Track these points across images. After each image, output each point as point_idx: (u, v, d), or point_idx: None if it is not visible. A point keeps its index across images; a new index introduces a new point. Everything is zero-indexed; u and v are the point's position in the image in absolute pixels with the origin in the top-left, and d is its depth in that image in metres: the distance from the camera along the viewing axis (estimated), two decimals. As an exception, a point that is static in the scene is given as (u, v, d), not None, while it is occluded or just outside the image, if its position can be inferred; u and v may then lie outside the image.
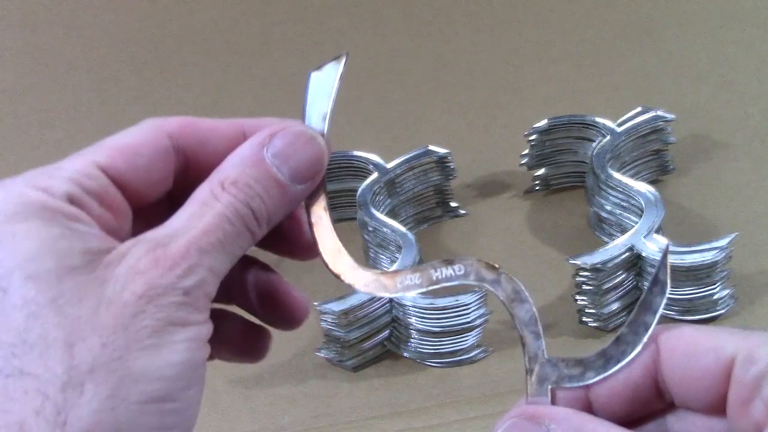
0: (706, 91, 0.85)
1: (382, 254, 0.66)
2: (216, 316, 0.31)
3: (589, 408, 0.31)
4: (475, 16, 1.03)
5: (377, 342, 0.60)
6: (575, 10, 1.02)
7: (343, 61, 0.33)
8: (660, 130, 0.72)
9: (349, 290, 0.59)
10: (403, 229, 0.64)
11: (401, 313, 0.59)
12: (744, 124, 0.80)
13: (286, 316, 0.35)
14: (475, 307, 0.58)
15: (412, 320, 0.58)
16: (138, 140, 0.31)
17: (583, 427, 0.29)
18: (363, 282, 0.33)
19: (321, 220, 0.33)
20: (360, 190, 0.67)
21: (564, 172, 0.74)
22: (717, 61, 0.90)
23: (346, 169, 0.72)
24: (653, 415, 0.31)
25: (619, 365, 0.30)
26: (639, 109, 0.72)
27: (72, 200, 0.29)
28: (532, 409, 0.30)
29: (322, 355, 0.60)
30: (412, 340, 0.59)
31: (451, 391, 0.58)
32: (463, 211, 0.72)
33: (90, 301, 0.27)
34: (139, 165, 0.31)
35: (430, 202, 0.72)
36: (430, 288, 0.33)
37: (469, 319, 0.58)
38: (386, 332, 0.60)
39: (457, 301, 0.58)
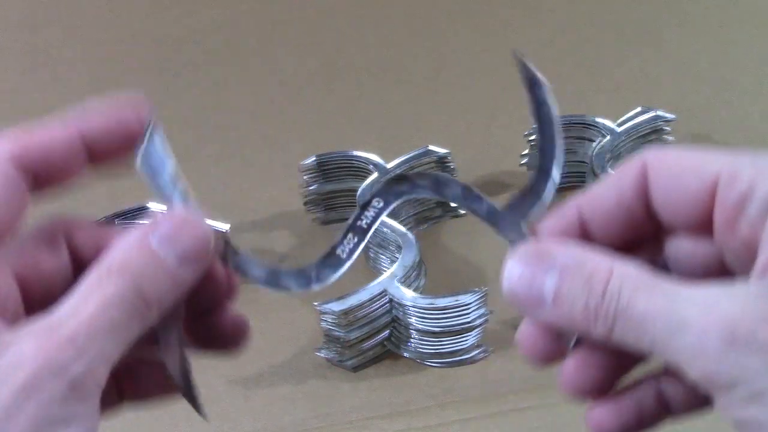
0: (706, 91, 0.85)
1: (382, 254, 0.66)
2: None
3: (585, 236, 0.32)
4: (475, 16, 1.03)
5: (377, 342, 0.60)
6: (575, 10, 1.02)
7: (151, 127, 0.33)
8: (660, 130, 0.72)
9: (349, 290, 0.59)
10: (403, 229, 0.64)
11: (401, 313, 0.59)
12: (744, 124, 0.80)
13: (227, 341, 0.35)
14: (475, 307, 0.58)
15: (412, 320, 0.58)
16: None
17: (585, 258, 0.29)
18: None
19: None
20: (360, 190, 0.67)
21: (564, 172, 0.73)
22: (717, 61, 0.90)
23: (346, 169, 0.72)
24: (646, 242, 0.32)
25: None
26: (639, 109, 0.72)
27: None
28: (542, 243, 0.31)
29: (322, 355, 0.60)
30: (412, 340, 0.59)
31: (451, 391, 0.58)
32: (463, 211, 0.72)
33: None
34: None
35: (430, 202, 0.72)
36: (369, 236, 0.34)
37: (469, 319, 0.58)
38: (386, 332, 0.60)
39: (457, 301, 0.58)
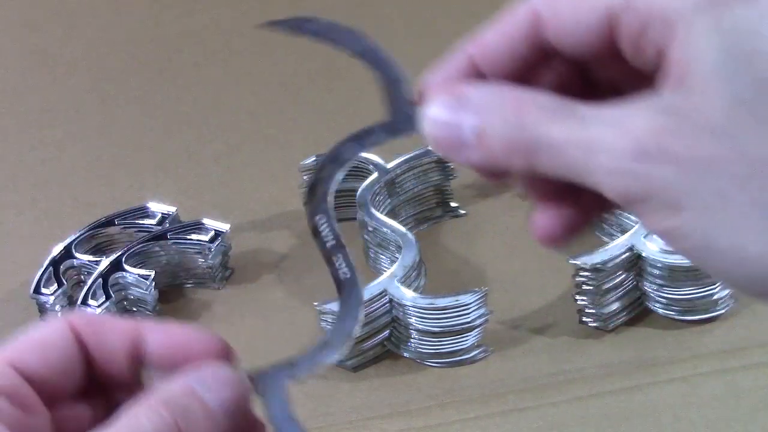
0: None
1: (382, 254, 0.66)
2: None
3: (479, 75, 0.32)
4: (475, 16, 1.03)
5: (377, 342, 0.60)
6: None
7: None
8: (660, 130, 0.72)
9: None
10: (403, 229, 0.64)
11: (401, 313, 0.59)
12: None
13: None
14: (475, 307, 0.58)
15: (412, 320, 0.58)
16: (45, 334, 0.31)
17: (500, 92, 0.29)
18: None
19: None
20: (360, 190, 0.67)
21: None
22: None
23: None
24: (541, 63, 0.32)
25: None
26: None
27: None
28: (455, 85, 0.31)
29: (322, 355, 0.60)
30: (412, 340, 0.59)
31: (451, 391, 0.58)
32: (463, 211, 0.72)
33: None
34: (50, 359, 0.30)
35: (430, 202, 0.72)
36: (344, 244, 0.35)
37: (469, 319, 0.58)
38: (386, 332, 0.60)
39: (457, 301, 0.58)
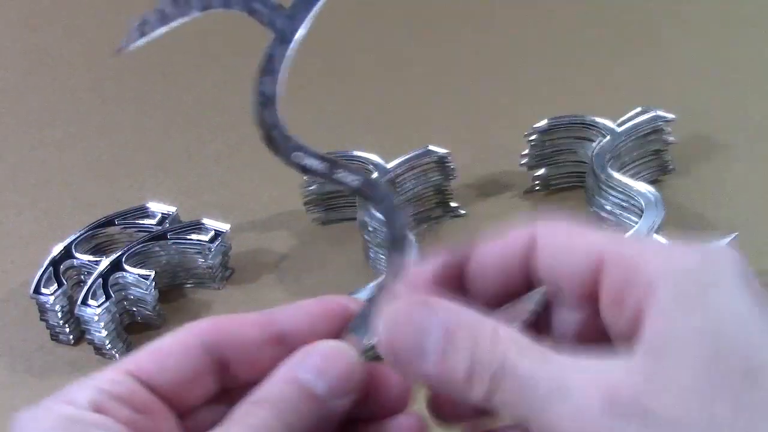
0: (706, 91, 0.85)
1: (382, 254, 0.66)
2: None
3: (461, 287, 0.32)
4: (475, 16, 1.03)
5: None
6: (575, 10, 1.02)
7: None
8: (660, 130, 0.72)
9: (349, 290, 0.59)
10: (403, 229, 0.64)
11: (401, 313, 0.59)
12: (744, 124, 0.80)
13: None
14: (475, 307, 0.58)
15: (412, 320, 0.58)
16: (167, 343, 0.32)
17: (475, 319, 0.29)
18: None
19: None
20: (360, 190, 0.67)
21: (564, 172, 0.74)
22: (717, 61, 0.90)
23: (346, 169, 0.72)
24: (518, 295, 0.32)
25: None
26: (639, 109, 0.72)
27: (96, 408, 0.29)
28: (425, 297, 0.30)
29: (322, 355, 0.60)
30: (412, 340, 0.59)
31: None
32: (463, 211, 0.72)
33: None
34: (168, 366, 0.31)
35: (430, 202, 0.72)
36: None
37: (469, 319, 0.58)
38: (386, 332, 0.60)
39: (457, 301, 0.57)
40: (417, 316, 0.29)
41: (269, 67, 0.33)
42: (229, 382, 0.32)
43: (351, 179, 0.33)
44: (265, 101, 0.33)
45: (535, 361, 0.27)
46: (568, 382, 0.26)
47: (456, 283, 0.32)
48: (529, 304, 0.31)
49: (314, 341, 0.32)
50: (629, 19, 0.99)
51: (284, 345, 0.32)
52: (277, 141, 0.33)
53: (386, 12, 1.05)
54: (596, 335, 0.30)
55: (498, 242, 0.32)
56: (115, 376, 0.30)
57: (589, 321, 0.31)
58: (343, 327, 0.33)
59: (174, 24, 0.33)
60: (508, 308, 0.31)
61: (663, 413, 0.25)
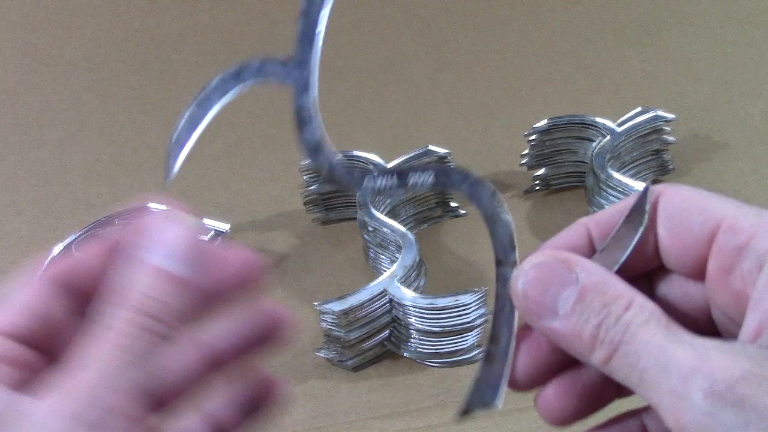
0: (706, 91, 0.85)
1: (382, 254, 0.66)
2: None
3: (591, 256, 0.31)
4: (475, 16, 1.03)
5: (377, 342, 0.60)
6: (575, 10, 1.02)
7: None
8: (660, 130, 0.72)
9: (349, 290, 0.59)
10: (403, 229, 0.64)
11: (401, 313, 0.59)
12: (744, 124, 0.80)
13: (273, 335, 0.33)
14: (475, 307, 0.58)
15: (412, 320, 0.58)
16: (27, 295, 0.31)
17: (608, 281, 0.29)
18: None
19: None
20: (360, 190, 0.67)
21: (564, 172, 0.74)
22: (717, 61, 0.90)
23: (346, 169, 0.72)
24: (640, 276, 0.32)
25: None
26: (639, 109, 0.72)
27: None
28: (566, 254, 0.30)
29: (322, 355, 0.60)
30: (412, 340, 0.59)
31: (451, 391, 0.58)
32: (463, 211, 0.72)
33: None
34: (35, 314, 0.30)
35: (430, 202, 0.72)
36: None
37: (469, 319, 0.58)
38: (386, 332, 0.60)
39: (457, 301, 0.58)
40: (554, 271, 0.29)
41: (304, 118, 0.33)
42: (83, 302, 0.31)
43: (424, 179, 0.33)
44: (315, 149, 0.33)
45: (656, 333, 0.27)
46: (676, 357, 0.26)
47: (587, 252, 0.32)
48: (630, 235, 0.31)
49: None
50: (629, 19, 0.99)
51: None
52: (344, 178, 0.33)
53: (386, 12, 1.05)
54: (701, 312, 0.30)
55: (619, 207, 0.32)
56: None
57: (696, 296, 0.31)
58: None
59: (203, 125, 0.33)
60: (613, 239, 0.31)
61: (760, 403, 0.25)
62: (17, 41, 1.07)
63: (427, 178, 0.33)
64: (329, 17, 0.33)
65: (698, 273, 0.30)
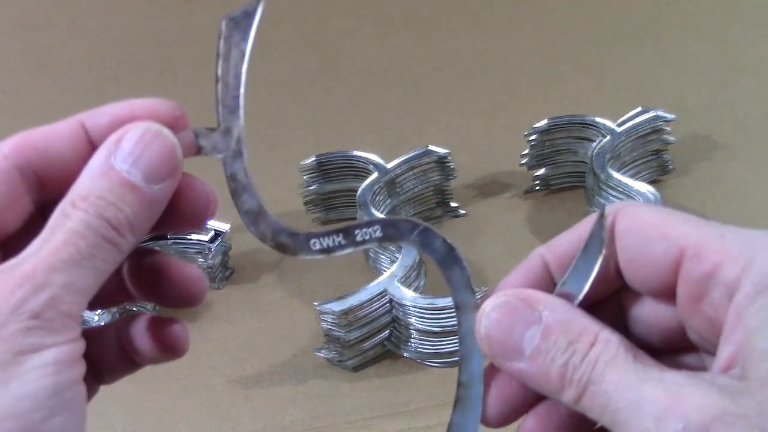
0: (706, 91, 0.85)
1: (382, 254, 0.66)
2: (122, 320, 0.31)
3: (549, 289, 0.30)
4: (475, 16, 1.03)
5: (377, 342, 0.60)
6: (575, 10, 1.02)
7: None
8: (660, 130, 0.72)
9: (349, 290, 0.59)
10: (403, 229, 0.64)
11: (401, 313, 0.59)
12: (744, 124, 0.80)
13: (184, 293, 0.33)
14: (475, 307, 0.58)
15: (412, 320, 0.58)
16: None
17: (571, 318, 0.28)
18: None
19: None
20: (360, 190, 0.67)
21: (564, 172, 0.74)
22: (717, 61, 0.90)
23: (346, 169, 0.72)
24: (606, 299, 0.31)
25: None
26: (639, 109, 0.72)
27: None
28: (527, 293, 0.29)
29: (322, 355, 0.60)
30: (412, 340, 0.59)
31: (451, 391, 0.57)
32: (463, 211, 0.72)
33: None
34: None
35: (430, 202, 0.72)
36: (355, 249, 0.33)
37: (469, 319, 0.58)
38: (386, 332, 0.60)
39: (457, 301, 0.58)
40: (517, 310, 0.29)
41: (239, 187, 0.33)
42: (45, 198, 0.31)
43: (371, 233, 0.33)
44: (255, 216, 0.33)
45: (625, 371, 0.27)
46: (649, 397, 0.26)
47: (544, 285, 0.31)
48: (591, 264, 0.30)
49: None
50: (629, 19, 0.99)
51: (90, 144, 0.31)
52: (288, 244, 0.33)
53: (386, 12, 1.05)
54: (674, 330, 0.30)
55: (574, 234, 0.31)
56: None
57: (667, 315, 0.30)
58: None
59: None
60: (573, 270, 0.30)
61: None
62: (17, 41, 1.07)
63: (375, 233, 0.33)
64: (247, 76, 0.33)
65: (667, 297, 0.29)
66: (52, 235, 0.28)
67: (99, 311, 0.61)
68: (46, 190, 0.31)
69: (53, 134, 0.31)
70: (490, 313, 0.29)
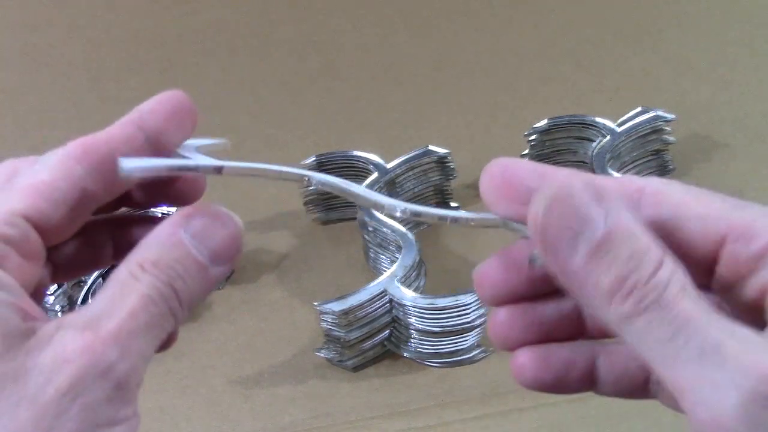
0: (706, 91, 0.85)
1: (382, 254, 0.66)
2: None
3: None
4: (475, 16, 1.03)
5: (377, 342, 0.60)
6: (575, 10, 1.02)
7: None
8: (660, 130, 0.72)
9: (349, 290, 0.59)
10: (403, 229, 0.64)
11: (401, 313, 0.59)
12: (744, 124, 0.80)
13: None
14: (475, 307, 0.58)
15: (412, 320, 0.58)
16: (53, 176, 0.29)
17: (641, 235, 0.25)
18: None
19: None
20: (360, 190, 0.67)
21: (564, 172, 0.74)
22: (717, 61, 0.90)
23: (346, 169, 0.72)
24: None
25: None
26: (639, 109, 0.72)
27: None
28: (588, 187, 0.26)
29: (322, 355, 0.60)
30: (412, 340, 0.59)
31: (451, 391, 0.58)
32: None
33: (9, 399, 0.25)
34: (60, 202, 0.29)
35: (430, 202, 0.72)
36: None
37: (469, 319, 0.58)
38: (386, 332, 0.60)
39: (457, 301, 0.58)
40: (582, 202, 0.25)
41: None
42: (99, 207, 0.31)
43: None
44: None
45: (695, 311, 0.24)
46: (722, 345, 0.23)
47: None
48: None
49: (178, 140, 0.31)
50: (629, 19, 0.99)
51: (148, 144, 0.31)
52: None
53: (386, 12, 1.05)
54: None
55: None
56: (9, 218, 0.28)
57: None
58: None
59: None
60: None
61: None
62: (17, 41, 1.07)
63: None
64: None
65: (695, 276, 0.27)
66: (125, 295, 0.27)
67: (54, 292, 0.62)
68: (101, 199, 0.30)
69: (113, 139, 0.31)
70: (550, 196, 0.26)
